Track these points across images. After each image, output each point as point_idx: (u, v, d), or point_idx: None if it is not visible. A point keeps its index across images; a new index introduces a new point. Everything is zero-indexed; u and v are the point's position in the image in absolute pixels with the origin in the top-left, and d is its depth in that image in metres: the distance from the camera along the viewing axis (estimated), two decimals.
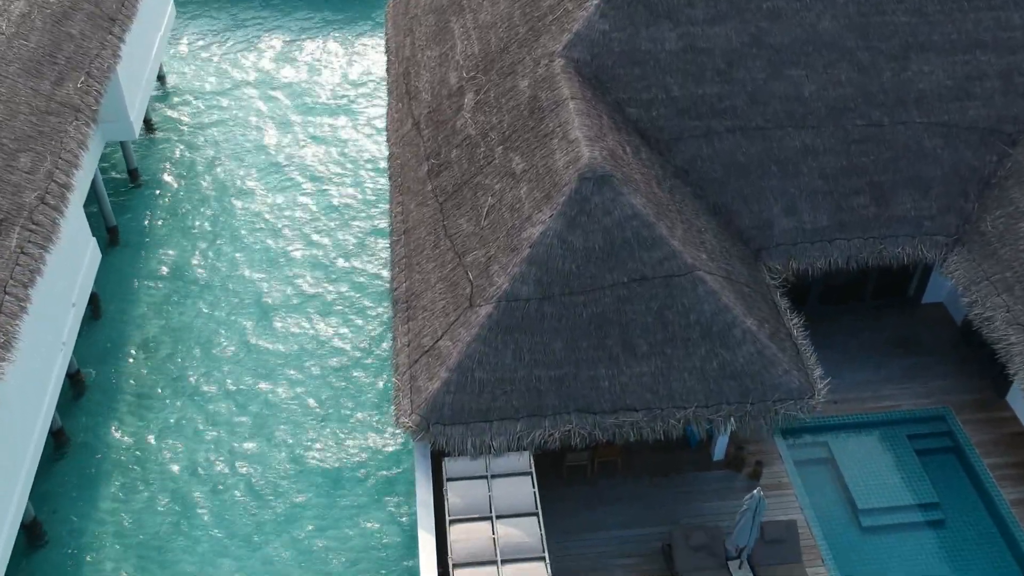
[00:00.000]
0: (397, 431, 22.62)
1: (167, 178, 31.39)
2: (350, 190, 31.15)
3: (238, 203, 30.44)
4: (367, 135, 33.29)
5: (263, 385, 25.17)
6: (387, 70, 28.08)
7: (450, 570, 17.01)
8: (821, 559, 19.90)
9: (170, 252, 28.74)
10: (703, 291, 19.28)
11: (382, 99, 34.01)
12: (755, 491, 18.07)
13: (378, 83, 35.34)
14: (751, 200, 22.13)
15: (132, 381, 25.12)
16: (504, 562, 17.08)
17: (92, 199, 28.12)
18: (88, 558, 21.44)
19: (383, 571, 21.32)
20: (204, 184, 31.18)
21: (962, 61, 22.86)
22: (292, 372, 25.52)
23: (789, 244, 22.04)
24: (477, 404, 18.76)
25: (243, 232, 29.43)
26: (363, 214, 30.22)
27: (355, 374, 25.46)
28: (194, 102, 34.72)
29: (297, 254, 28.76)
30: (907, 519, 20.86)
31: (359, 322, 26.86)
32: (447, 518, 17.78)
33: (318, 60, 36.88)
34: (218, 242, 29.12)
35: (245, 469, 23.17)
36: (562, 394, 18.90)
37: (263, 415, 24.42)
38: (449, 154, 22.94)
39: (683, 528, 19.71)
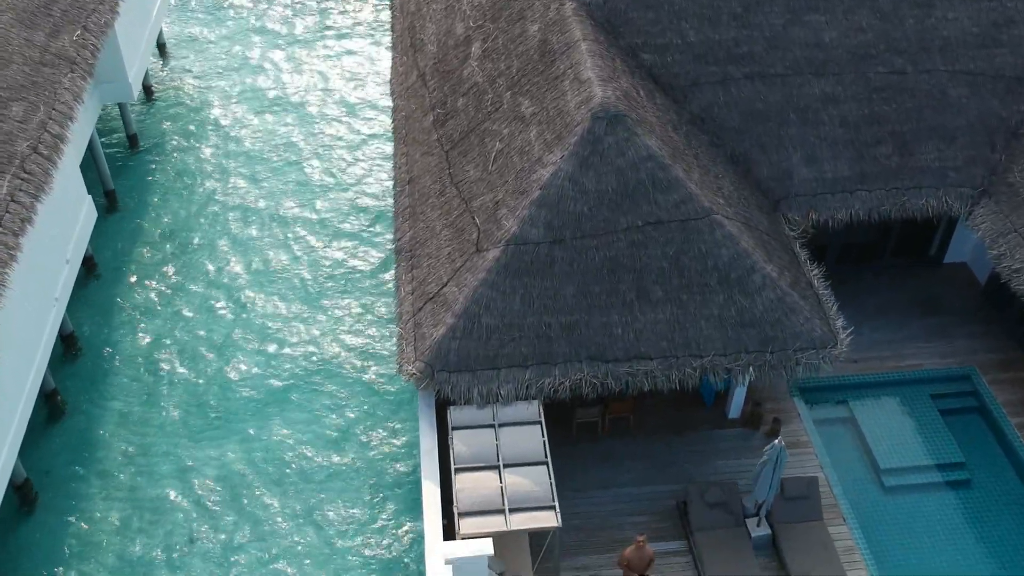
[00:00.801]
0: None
1: (167, 144, 30.62)
2: (355, 152, 30.35)
3: (239, 169, 29.66)
4: (373, 101, 32.50)
5: (263, 346, 24.36)
6: (391, 26, 27.30)
7: (456, 519, 16.16)
8: (843, 518, 19.04)
9: (169, 217, 27.97)
10: (721, 235, 18.45)
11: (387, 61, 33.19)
12: (775, 441, 17.22)
13: (383, 40, 34.55)
14: (770, 149, 21.31)
15: (128, 345, 24.32)
16: (512, 511, 16.24)
17: (90, 164, 27.45)
18: (80, 522, 20.62)
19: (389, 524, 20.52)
20: (205, 150, 30.41)
21: (988, 7, 22.02)
22: (293, 335, 24.69)
23: (809, 195, 21.21)
24: (484, 351, 17.93)
25: (244, 198, 28.65)
26: (369, 178, 29.43)
27: (358, 336, 24.64)
28: (195, 69, 33.95)
29: (299, 221, 27.93)
30: (931, 479, 20.03)
31: (365, 282, 26.04)
32: (452, 467, 16.93)
33: (323, 24, 36.05)
34: (217, 208, 28.34)
35: (245, 444, 22.32)
36: (573, 341, 18.07)
37: (264, 377, 23.60)
38: (455, 103, 22.13)
39: (699, 484, 18.85)
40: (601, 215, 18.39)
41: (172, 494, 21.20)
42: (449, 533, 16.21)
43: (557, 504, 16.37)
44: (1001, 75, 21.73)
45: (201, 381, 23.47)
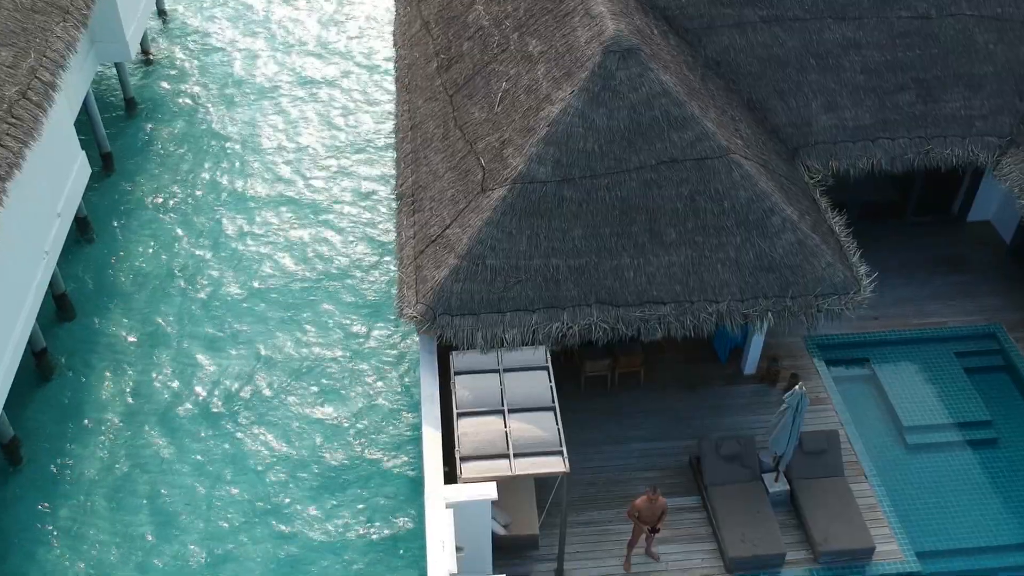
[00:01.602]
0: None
1: (165, 108, 29.79)
2: (354, 117, 29.52)
3: (239, 132, 28.82)
4: (375, 53, 31.66)
5: (261, 310, 23.52)
6: None
7: (457, 464, 15.27)
8: (864, 475, 18.12)
9: (166, 179, 27.16)
10: (739, 175, 17.56)
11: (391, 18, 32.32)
12: (796, 388, 16.28)
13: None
14: (788, 95, 20.42)
15: (122, 306, 23.49)
16: (517, 456, 15.33)
17: (87, 127, 26.71)
18: (66, 481, 19.80)
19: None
20: (204, 113, 29.57)
21: None
22: (292, 300, 23.86)
23: (829, 143, 20.33)
24: (488, 294, 17.05)
25: (244, 161, 27.81)
26: (372, 132, 28.59)
27: (360, 290, 23.82)
28: (195, 33, 33.10)
29: (299, 182, 27.09)
30: (956, 437, 19.13)
31: (370, 232, 25.24)
32: (454, 412, 16.04)
33: None
34: (216, 171, 27.53)
35: (247, 401, 21.46)
36: (582, 285, 17.18)
37: (259, 341, 22.74)
38: (460, 47, 21.27)
39: (713, 438, 17.93)
40: (612, 153, 17.51)
41: (163, 453, 20.35)
42: (451, 480, 15.31)
43: (565, 450, 15.45)
44: None
45: (195, 344, 22.61)
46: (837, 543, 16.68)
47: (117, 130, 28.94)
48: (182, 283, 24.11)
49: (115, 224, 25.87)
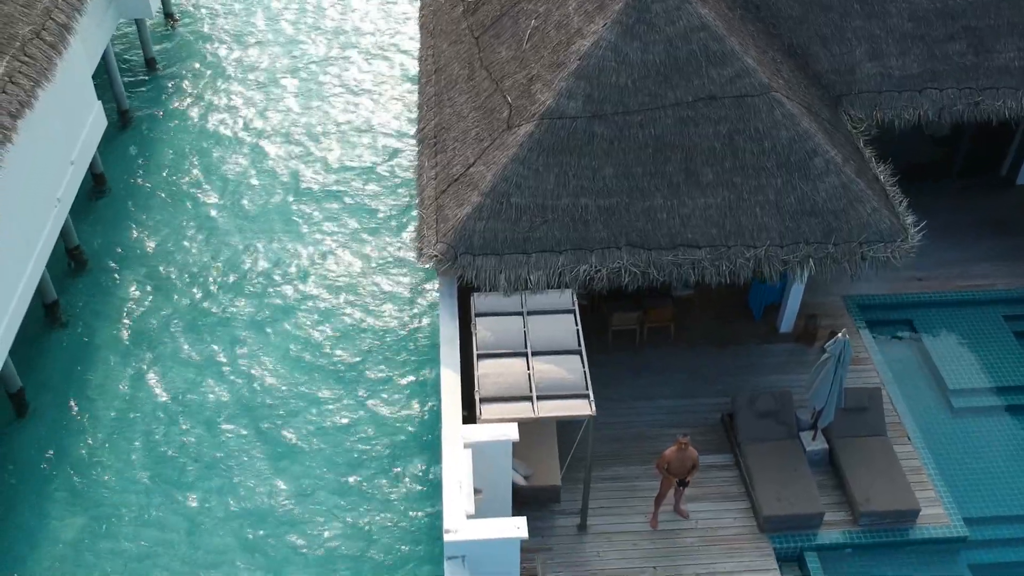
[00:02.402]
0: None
1: (185, 68, 29.06)
2: (377, 63, 28.74)
3: (260, 91, 28.08)
4: (402, 24, 30.88)
5: (275, 263, 22.77)
6: None
7: (476, 405, 14.36)
8: (907, 437, 17.09)
9: (183, 138, 26.47)
10: (780, 114, 16.59)
11: None
12: (839, 335, 15.26)
13: None
14: (831, 42, 19.41)
15: (136, 262, 22.80)
16: (541, 398, 14.40)
17: (107, 84, 26.17)
18: (72, 433, 19.10)
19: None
20: (225, 74, 28.79)
21: None
22: (310, 245, 23.14)
23: (873, 92, 19.29)
24: (513, 234, 16.16)
25: (264, 119, 27.07)
26: (395, 88, 27.81)
27: (378, 225, 23.06)
28: None
29: (319, 139, 26.34)
30: (1005, 402, 18.06)
31: (394, 176, 24.62)
32: (474, 353, 15.13)
33: None
34: (236, 128, 26.81)
35: (244, 359, 20.69)
36: (612, 226, 16.26)
37: (264, 301, 21.96)
38: None
39: (747, 393, 16.93)
40: (647, 89, 16.58)
41: (172, 407, 19.58)
42: (470, 423, 14.39)
43: (591, 393, 14.51)
44: None
45: (207, 300, 21.85)
46: (879, 504, 15.66)
47: (136, 89, 28.33)
48: (197, 239, 23.35)
49: (131, 180, 25.23)
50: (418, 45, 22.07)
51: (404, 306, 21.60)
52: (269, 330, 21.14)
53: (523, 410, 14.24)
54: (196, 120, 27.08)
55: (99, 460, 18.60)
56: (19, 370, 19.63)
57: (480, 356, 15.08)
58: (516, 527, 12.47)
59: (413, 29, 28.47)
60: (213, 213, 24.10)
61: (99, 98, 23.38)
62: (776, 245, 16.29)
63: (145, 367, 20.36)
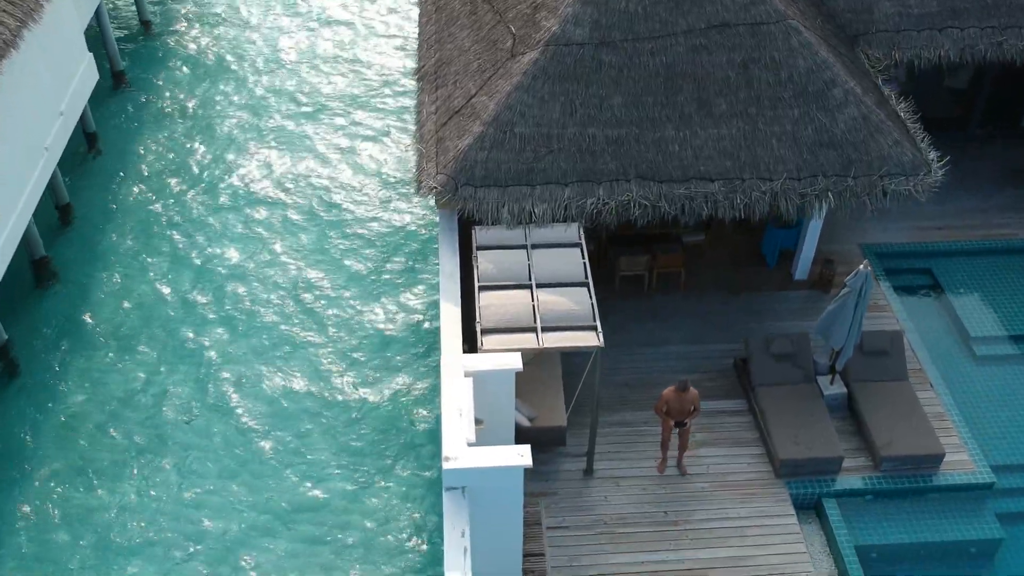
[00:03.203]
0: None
1: (181, 31, 28.30)
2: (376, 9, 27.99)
3: (259, 54, 27.34)
4: None
5: (269, 219, 22.01)
6: None
7: (478, 336, 13.56)
8: (929, 383, 16.30)
9: (178, 96, 25.74)
10: (797, 43, 15.81)
11: None
12: (860, 267, 14.46)
13: None
14: None
15: (127, 220, 22.04)
16: (546, 329, 13.60)
17: (100, 45, 25.43)
18: (61, 389, 18.33)
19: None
20: (222, 37, 28.06)
21: None
22: (303, 192, 22.38)
23: (892, 31, 18.49)
24: (517, 165, 15.37)
25: (263, 83, 26.31)
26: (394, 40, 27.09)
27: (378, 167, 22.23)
28: None
29: (318, 103, 25.59)
30: None
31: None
32: (476, 285, 14.34)
33: None
34: (231, 90, 26.05)
35: (240, 312, 19.93)
36: (621, 157, 15.47)
37: (267, 269, 21.20)
38: None
39: (762, 336, 16.13)
40: (657, 15, 15.82)
41: (164, 362, 18.80)
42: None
43: (599, 325, 13.70)
44: None
45: (199, 259, 21.06)
46: (902, 448, 14.87)
47: (131, 50, 27.65)
48: (188, 198, 22.58)
49: (124, 139, 24.56)
50: None
51: (403, 243, 20.92)
52: (268, 272, 20.41)
53: (527, 341, 13.45)
54: (192, 80, 26.40)
55: (89, 416, 17.78)
56: (6, 326, 18.95)
57: (482, 288, 14.29)
58: (520, 455, 11.65)
59: None
60: (208, 171, 23.32)
61: (94, 60, 22.84)
62: (793, 178, 15.51)
63: (135, 324, 19.55)
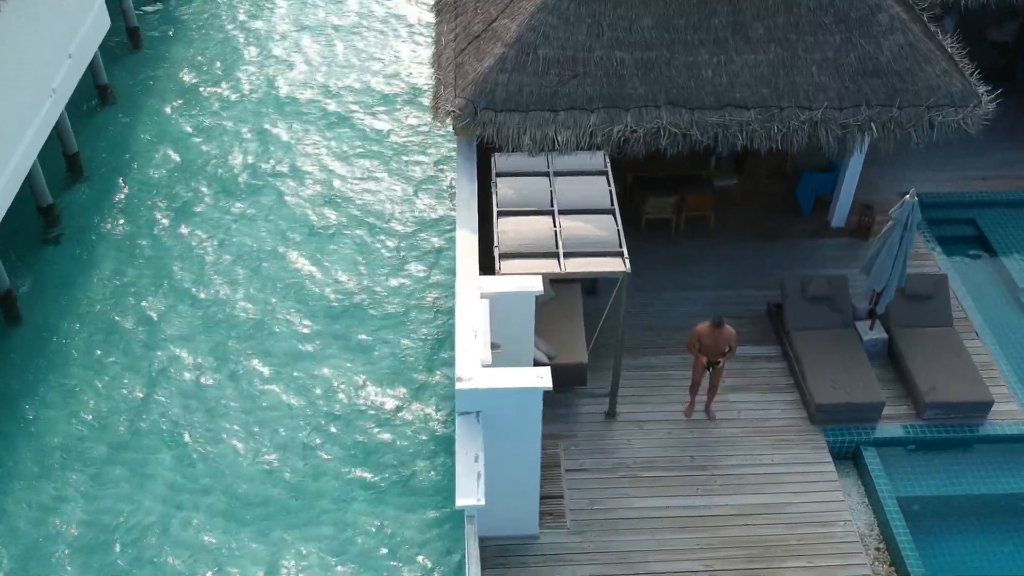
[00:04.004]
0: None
1: None
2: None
3: (283, 22, 26.59)
4: None
5: (279, 184, 21.21)
6: None
7: (496, 261, 12.67)
8: (975, 331, 15.29)
9: (195, 53, 25.04)
10: None
11: None
12: (906, 197, 13.47)
13: None
14: None
15: (137, 175, 21.28)
16: (568, 255, 12.69)
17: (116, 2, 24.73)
18: (63, 339, 17.54)
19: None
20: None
21: None
22: (319, 123, 21.83)
23: None
24: (540, 89, 14.48)
25: (279, 43, 25.54)
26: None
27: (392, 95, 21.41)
28: None
29: (338, 58, 24.84)
30: None
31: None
32: (494, 211, 13.45)
33: None
34: (249, 48, 25.35)
35: (252, 246, 19.16)
36: (650, 82, 14.56)
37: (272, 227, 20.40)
38: None
39: (798, 277, 15.16)
40: None
41: (168, 316, 17.97)
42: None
43: (626, 251, 12.78)
44: None
45: (209, 211, 20.27)
46: (947, 394, 13.88)
47: (148, 9, 26.91)
48: (201, 150, 21.83)
49: (136, 93, 23.83)
50: None
51: (419, 175, 20.44)
52: (281, 224, 19.66)
53: (548, 266, 12.54)
54: (209, 38, 25.73)
55: (94, 367, 16.97)
56: (10, 273, 18.20)
57: (500, 214, 13.39)
58: (539, 376, 10.75)
59: None
60: (226, 124, 22.60)
61: (109, 18, 22.40)
62: (834, 107, 14.55)
63: (141, 276, 18.78)
